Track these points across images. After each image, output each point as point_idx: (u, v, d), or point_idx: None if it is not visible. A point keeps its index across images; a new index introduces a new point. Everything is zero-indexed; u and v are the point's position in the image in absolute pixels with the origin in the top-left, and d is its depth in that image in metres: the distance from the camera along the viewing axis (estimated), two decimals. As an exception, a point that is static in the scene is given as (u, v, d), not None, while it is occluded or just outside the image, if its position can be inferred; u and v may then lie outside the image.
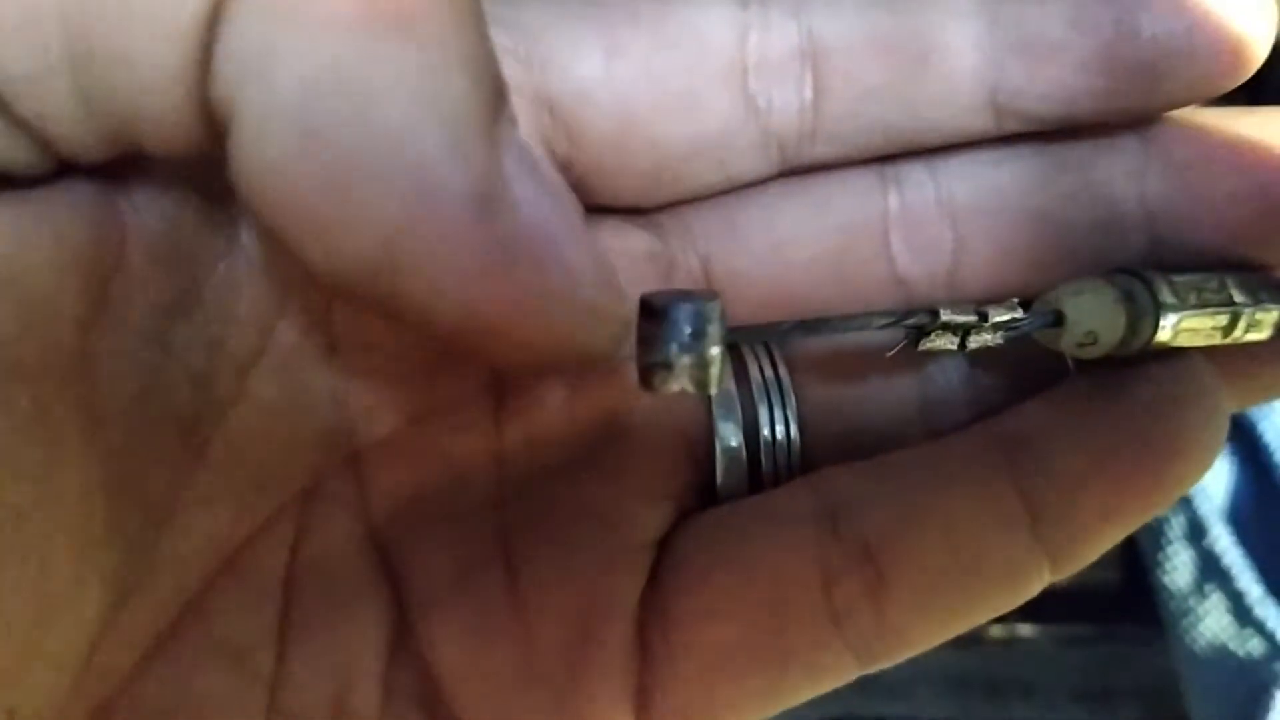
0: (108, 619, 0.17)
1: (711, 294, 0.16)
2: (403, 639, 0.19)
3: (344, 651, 0.19)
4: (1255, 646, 0.42)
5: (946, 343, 0.18)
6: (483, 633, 0.19)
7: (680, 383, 0.16)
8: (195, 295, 0.18)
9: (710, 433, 0.20)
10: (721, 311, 0.16)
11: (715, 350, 0.16)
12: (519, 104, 0.18)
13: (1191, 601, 0.43)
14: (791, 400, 0.20)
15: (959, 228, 0.20)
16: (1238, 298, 0.18)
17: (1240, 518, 0.43)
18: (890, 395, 0.21)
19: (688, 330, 0.16)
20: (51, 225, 0.15)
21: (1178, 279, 0.18)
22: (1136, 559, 0.45)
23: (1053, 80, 0.19)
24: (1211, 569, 0.42)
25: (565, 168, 0.20)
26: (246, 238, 0.18)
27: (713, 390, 0.16)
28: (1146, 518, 0.18)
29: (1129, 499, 0.18)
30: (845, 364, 0.21)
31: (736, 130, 0.19)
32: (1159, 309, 0.17)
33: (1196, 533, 0.42)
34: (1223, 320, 0.18)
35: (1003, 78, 0.19)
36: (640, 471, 0.20)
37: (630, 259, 0.21)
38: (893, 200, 0.20)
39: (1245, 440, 0.43)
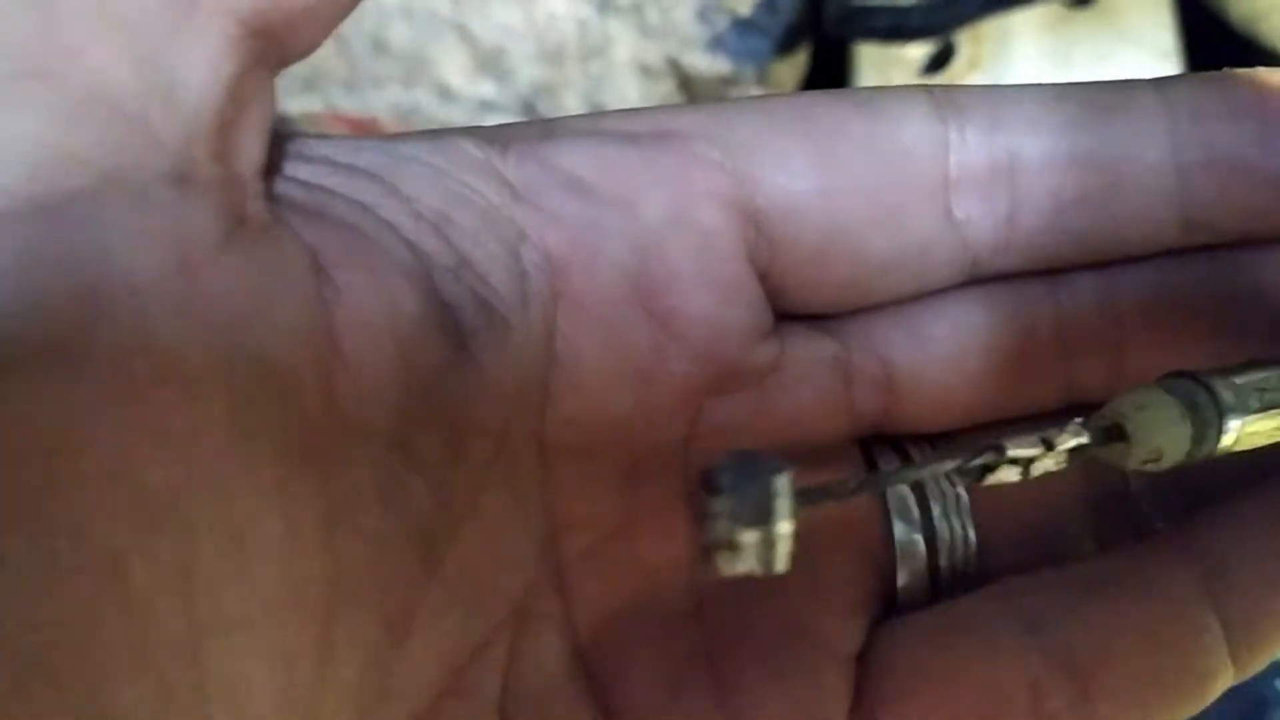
0: None
1: (780, 464, 0.15)
2: None
3: None
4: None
5: (1011, 475, 0.17)
6: None
7: (747, 564, 0.15)
8: (431, 403, 0.17)
9: (887, 540, 0.21)
10: (790, 484, 0.15)
11: (785, 527, 0.15)
12: (725, 217, 0.19)
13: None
14: (965, 503, 0.21)
15: (1125, 334, 0.21)
16: None
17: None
18: (1056, 499, 0.21)
19: (754, 508, 0.15)
20: (277, 280, 0.16)
21: (1239, 380, 0.18)
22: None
23: (1243, 197, 0.19)
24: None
25: (764, 277, 0.20)
26: (475, 347, 0.18)
27: (780, 569, 0.15)
28: None
29: None
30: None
31: (936, 243, 0.20)
32: (1222, 416, 0.17)
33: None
34: (1286, 419, 0.18)
35: (1194, 194, 0.19)
36: (831, 582, 0.20)
37: (813, 364, 0.21)
38: (1065, 303, 0.21)
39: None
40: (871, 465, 0.21)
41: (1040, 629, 0.19)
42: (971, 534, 0.21)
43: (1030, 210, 0.20)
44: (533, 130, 0.20)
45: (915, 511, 0.21)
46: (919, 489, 0.21)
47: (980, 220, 0.20)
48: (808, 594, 0.20)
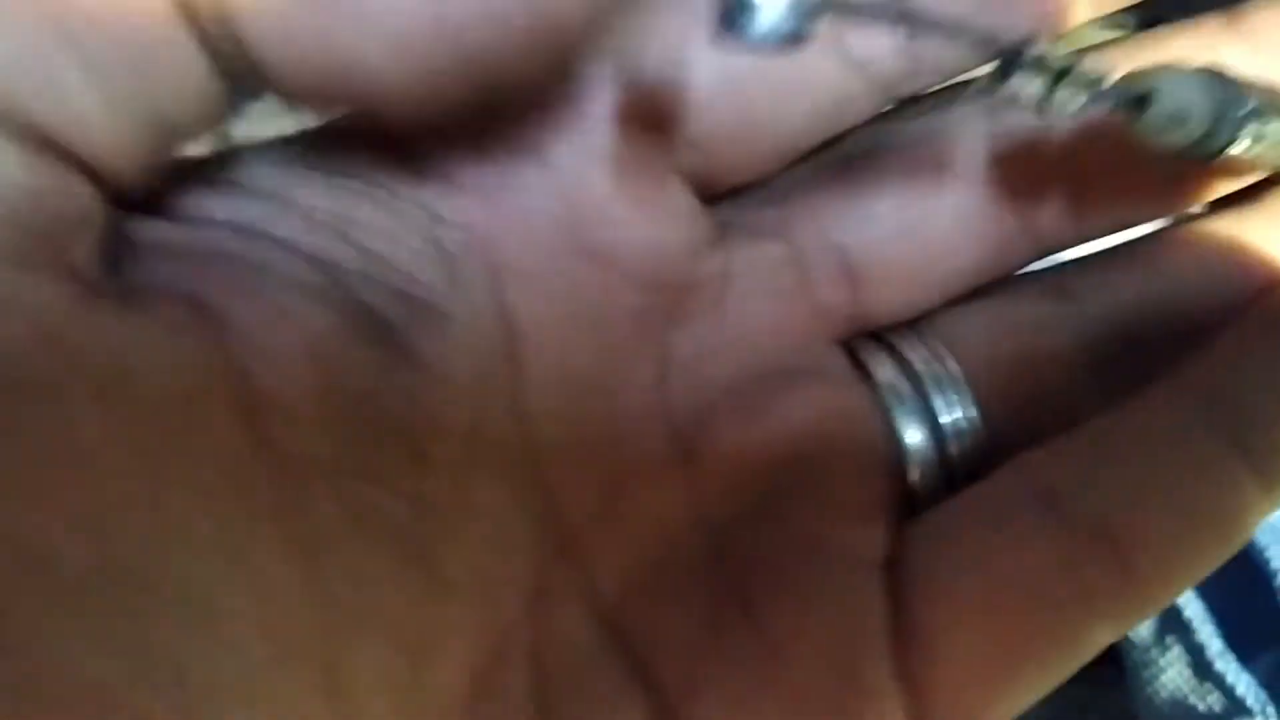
0: None
1: None
2: None
3: None
4: (1215, 701, 0.41)
5: (1031, 87, 0.16)
6: (751, 695, 0.18)
7: (768, 20, 0.14)
8: (376, 415, 0.17)
9: (890, 439, 0.20)
10: None
11: None
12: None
13: (1153, 653, 0.43)
14: (963, 382, 0.20)
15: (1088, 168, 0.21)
16: None
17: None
18: (1054, 360, 0.21)
19: None
20: (151, 338, 0.15)
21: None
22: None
23: None
24: (1172, 620, 0.42)
25: (689, 177, 0.20)
26: (411, 346, 0.17)
27: (802, 37, 0.14)
28: None
29: None
30: (1003, 338, 0.21)
31: (846, 89, 0.19)
32: (1250, 110, 0.17)
33: (1157, 581, 0.42)
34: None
35: None
36: (843, 495, 0.20)
37: (766, 270, 0.20)
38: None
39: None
40: (859, 366, 0.21)
41: (1062, 503, 0.18)
42: (976, 414, 0.20)
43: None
44: None
45: (913, 404, 0.20)
46: (915, 379, 0.20)
47: (881, 52, 0.19)
48: (820, 510, 0.19)
